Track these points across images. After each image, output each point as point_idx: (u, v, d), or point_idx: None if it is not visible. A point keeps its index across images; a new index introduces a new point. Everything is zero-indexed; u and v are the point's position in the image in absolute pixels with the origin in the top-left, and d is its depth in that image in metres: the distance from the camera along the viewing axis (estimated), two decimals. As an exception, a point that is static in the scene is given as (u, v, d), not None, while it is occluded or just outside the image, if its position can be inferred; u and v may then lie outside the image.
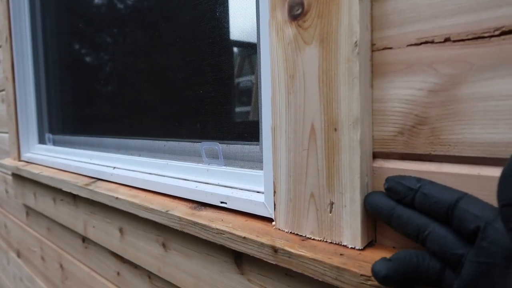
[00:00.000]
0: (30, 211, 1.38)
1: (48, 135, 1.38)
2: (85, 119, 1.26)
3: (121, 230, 0.80)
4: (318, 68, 0.41)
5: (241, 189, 0.58)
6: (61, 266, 1.18)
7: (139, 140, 0.95)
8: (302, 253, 0.40)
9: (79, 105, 1.29)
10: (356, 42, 0.38)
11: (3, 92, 1.50)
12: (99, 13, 1.19)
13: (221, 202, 0.58)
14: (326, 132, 0.41)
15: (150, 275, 0.77)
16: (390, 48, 0.39)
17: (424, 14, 0.36)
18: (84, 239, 1.02)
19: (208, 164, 0.70)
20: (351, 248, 0.40)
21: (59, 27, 1.37)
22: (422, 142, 0.37)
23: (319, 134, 0.42)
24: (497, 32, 0.32)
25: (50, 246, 1.24)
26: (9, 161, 1.42)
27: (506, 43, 0.32)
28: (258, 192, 0.56)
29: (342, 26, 0.39)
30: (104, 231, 0.87)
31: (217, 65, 0.73)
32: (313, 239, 0.43)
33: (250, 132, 0.65)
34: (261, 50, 0.51)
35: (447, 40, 0.35)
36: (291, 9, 0.44)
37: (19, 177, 1.34)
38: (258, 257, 0.46)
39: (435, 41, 0.36)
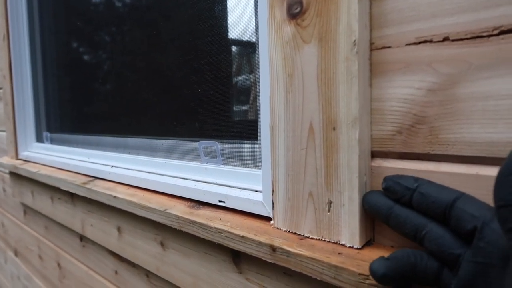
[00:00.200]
0: (27, 209, 1.38)
1: (45, 134, 1.38)
2: (83, 117, 1.26)
3: (119, 229, 0.80)
4: (317, 67, 0.41)
5: (240, 188, 0.58)
6: (58, 265, 1.18)
7: (137, 139, 0.95)
8: (300, 252, 0.40)
9: (77, 103, 1.29)
10: (355, 41, 0.38)
11: (1, 91, 1.49)
12: (97, 11, 1.18)
13: (219, 201, 0.58)
14: (325, 131, 0.41)
15: (148, 274, 0.77)
16: (389, 47, 0.39)
17: (423, 13, 0.36)
18: (82, 237, 1.01)
19: (206, 163, 0.69)
20: (349, 247, 0.40)
21: (57, 25, 1.37)
22: (421, 141, 0.37)
23: (318, 133, 0.42)
24: (495, 32, 0.32)
25: (48, 245, 1.24)
26: (7, 160, 1.41)
27: (505, 43, 0.32)
28: (256, 191, 0.56)
29: (341, 25, 0.39)
30: (102, 229, 0.86)
31: (215, 63, 0.73)
32: (311, 238, 0.43)
33: (248, 131, 0.65)
34: (259, 48, 0.51)
35: (446, 39, 0.35)
36: (289, 7, 0.43)
37: (16, 176, 1.34)
38: (256, 256, 0.46)
39: (434, 40, 0.36)
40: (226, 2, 0.69)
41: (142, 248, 0.73)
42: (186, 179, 0.69)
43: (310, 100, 0.42)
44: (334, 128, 0.40)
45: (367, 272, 0.34)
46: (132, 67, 1.03)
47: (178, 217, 0.58)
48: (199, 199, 0.62)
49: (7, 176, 1.48)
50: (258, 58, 0.53)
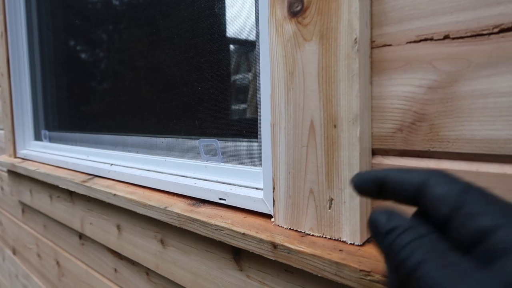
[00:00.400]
0: (26, 208, 1.37)
1: (44, 132, 1.38)
2: (82, 115, 1.26)
3: (118, 227, 0.80)
4: (318, 65, 0.41)
5: (240, 186, 0.58)
6: (57, 263, 1.17)
7: (137, 137, 0.95)
8: (301, 249, 0.41)
9: (76, 101, 1.28)
10: (356, 39, 0.38)
11: (-2, 89, 1.48)
12: (96, 8, 1.18)
13: (220, 199, 0.58)
14: (326, 129, 0.41)
15: (148, 271, 0.77)
16: (390, 45, 0.39)
17: (424, 11, 0.36)
18: (81, 236, 1.01)
19: (207, 161, 0.70)
20: (350, 244, 0.40)
21: (55, 22, 1.36)
22: (421, 139, 0.37)
23: (319, 130, 0.42)
24: (496, 30, 0.33)
25: (46, 243, 1.23)
26: (5, 158, 1.41)
27: (505, 41, 0.32)
28: (257, 188, 0.56)
29: (342, 23, 0.39)
30: (101, 228, 0.86)
31: (215, 61, 0.73)
32: (312, 235, 0.44)
33: (248, 129, 0.65)
34: (260, 46, 0.51)
35: (446, 37, 0.35)
36: (290, 5, 0.44)
37: (15, 174, 1.34)
38: (257, 253, 0.46)
39: (435, 38, 0.36)
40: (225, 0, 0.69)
41: (142, 246, 0.73)
42: (186, 177, 0.69)
43: (311, 98, 0.42)
44: (335, 126, 0.40)
45: (368, 269, 0.35)
46: (131, 64, 1.03)
47: (179, 215, 0.58)
48: (199, 196, 0.62)
49: (5, 174, 1.48)
50: (259, 56, 0.53)
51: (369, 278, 0.35)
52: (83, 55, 1.26)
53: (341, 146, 0.40)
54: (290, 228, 0.46)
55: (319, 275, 0.39)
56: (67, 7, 1.29)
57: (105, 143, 1.07)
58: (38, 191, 1.17)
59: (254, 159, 0.63)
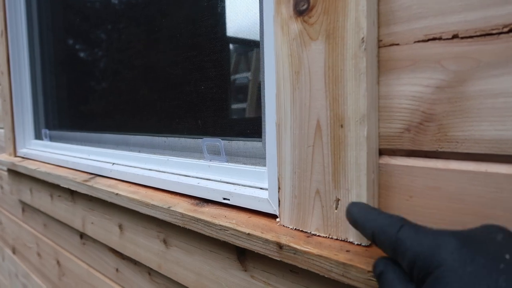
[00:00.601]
0: (26, 207, 1.37)
1: (44, 131, 1.37)
2: (83, 114, 1.25)
3: (120, 227, 0.80)
4: (324, 64, 0.41)
5: (244, 186, 0.58)
6: (58, 262, 1.17)
7: (139, 136, 0.94)
8: (307, 249, 0.40)
9: (77, 100, 1.28)
10: (363, 38, 0.38)
11: (-2, 87, 1.48)
12: (97, 7, 1.17)
13: (224, 199, 0.58)
14: (332, 129, 0.41)
15: (150, 271, 0.77)
16: (397, 44, 0.39)
17: (432, 10, 0.36)
18: (82, 235, 1.01)
19: (210, 160, 0.69)
20: (357, 244, 0.40)
21: (55, 21, 1.36)
22: (429, 139, 0.37)
23: (325, 130, 0.42)
24: (505, 29, 0.32)
25: (47, 243, 1.23)
26: (5, 157, 1.40)
27: (515, 40, 0.32)
28: (261, 188, 0.56)
29: (349, 22, 0.39)
30: (103, 227, 0.86)
31: (219, 60, 0.72)
32: (318, 236, 0.43)
33: (252, 128, 0.65)
34: (264, 45, 0.51)
35: (455, 36, 0.35)
36: (296, 4, 0.43)
37: (15, 173, 1.33)
38: (262, 253, 0.46)
39: (443, 37, 0.36)
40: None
41: (145, 246, 0.73)
42: (189, 176, 0.69)
43: (317, 97, 0.42)
44: (341, 126, 0.40)
45: (376, 269, 0.34)
46: (134, 64, 1.02)
47: (182, 215, 0.57)
48: (203, 196, 0.62)
49: (5, 173, 1.47)
50: (263, 55, 0.53)
51: (377, 279, 0.34)
52: (85, 54, 1.26)
53: (348, 146, 0.40)
54: (295, 229, 0.46)
55: (326, 276, 0.39)
56: (68, 5, 1.28)
57: (106, 142, 1.07)
58: (39, 190, 1.17)
59: (258, 158, 0.62)
